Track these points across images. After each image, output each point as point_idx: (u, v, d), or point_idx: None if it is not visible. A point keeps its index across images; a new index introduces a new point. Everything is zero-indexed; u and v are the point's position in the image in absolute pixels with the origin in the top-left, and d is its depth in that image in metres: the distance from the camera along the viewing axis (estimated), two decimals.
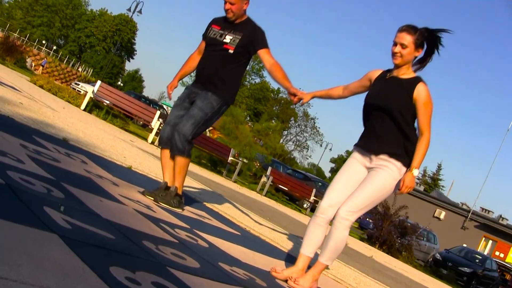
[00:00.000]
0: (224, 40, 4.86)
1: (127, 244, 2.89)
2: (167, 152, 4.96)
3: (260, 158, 25.45)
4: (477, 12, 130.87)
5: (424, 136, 3.85)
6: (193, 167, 13.62)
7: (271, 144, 32.86)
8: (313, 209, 20.51)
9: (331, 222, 3.99)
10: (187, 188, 7.03)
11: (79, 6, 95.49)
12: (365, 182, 3.92)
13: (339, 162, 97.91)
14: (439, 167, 68.69)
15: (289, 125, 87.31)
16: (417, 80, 3.90)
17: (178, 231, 3.92)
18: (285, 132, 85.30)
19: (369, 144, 4.00)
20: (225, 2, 4.81)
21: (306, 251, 4.03)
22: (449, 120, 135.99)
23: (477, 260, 23.92)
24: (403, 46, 3.85)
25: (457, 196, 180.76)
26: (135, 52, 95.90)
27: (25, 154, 4.01)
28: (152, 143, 15.38)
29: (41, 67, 46.37)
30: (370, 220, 24.20)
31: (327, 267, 4.13)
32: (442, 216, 39.29)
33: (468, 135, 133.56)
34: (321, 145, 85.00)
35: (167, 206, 4.73)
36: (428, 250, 25.55)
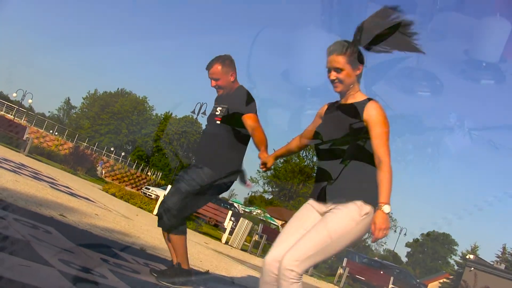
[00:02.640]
0: (216, 113, 4.80)
1: None
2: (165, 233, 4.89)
3: None
4: None
5: (383, 163, 3.12)
6: None
7: None
8: None
9: None
10: None
11: (144, 112, 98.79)
12: (315, 226, 3.24)
13: (414, 246, 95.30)
14: None
15: None
16: (367, 100, 3.29)
17: None
18: None
19: (319, 191, 3.34)
20: (211, 80, 4.76)
21: None
22: None
23: None
24: (338, 70, 3.27)
25: None
26: None
27: (106, 268, 4.05)
28: (226, 243, 15.36)
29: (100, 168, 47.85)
30: None
31: None
32: None
33: None
34: (395, 231, 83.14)
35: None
36: None
